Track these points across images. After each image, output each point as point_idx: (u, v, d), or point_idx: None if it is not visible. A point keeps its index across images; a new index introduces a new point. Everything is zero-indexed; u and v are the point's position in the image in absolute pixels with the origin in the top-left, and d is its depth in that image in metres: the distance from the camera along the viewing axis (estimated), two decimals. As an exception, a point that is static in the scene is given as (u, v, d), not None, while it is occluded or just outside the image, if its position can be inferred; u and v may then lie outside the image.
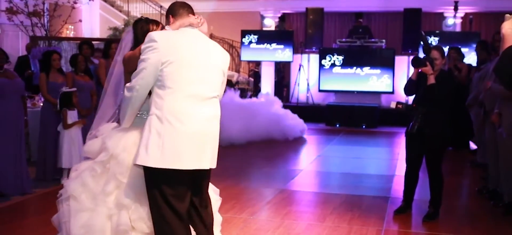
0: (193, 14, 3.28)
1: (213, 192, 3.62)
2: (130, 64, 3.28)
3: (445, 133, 5.34)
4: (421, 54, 5.88)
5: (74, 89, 6.76)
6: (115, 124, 3.39)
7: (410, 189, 5.62)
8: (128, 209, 3.15)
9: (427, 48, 5.28)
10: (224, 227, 4.99)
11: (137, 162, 3.03)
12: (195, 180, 3.19)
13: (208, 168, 3.16)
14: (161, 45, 3.00)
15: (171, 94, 3.01)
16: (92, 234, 3.15)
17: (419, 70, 5.30)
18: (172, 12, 3.27)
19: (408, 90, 5.50)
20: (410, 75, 5.54)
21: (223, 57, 3.30)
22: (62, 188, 3.38)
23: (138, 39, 3.39)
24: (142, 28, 3.46)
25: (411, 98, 5.82)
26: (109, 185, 3.19)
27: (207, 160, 3.13)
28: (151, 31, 3.34)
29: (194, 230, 3.26)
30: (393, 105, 5.37)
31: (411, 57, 5.76)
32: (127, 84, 3.11)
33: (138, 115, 3.24)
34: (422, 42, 5.44)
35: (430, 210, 5.48)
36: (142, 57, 3.03)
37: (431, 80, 5.15)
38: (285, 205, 5.93)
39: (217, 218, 3.66)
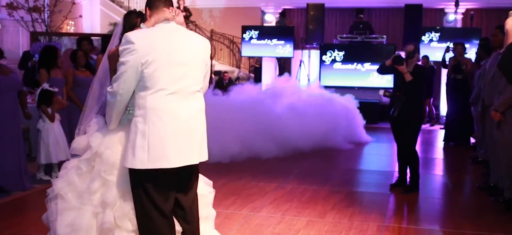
0: (171, 5, 3.20)
1: (206, 184, 3.58)
2: (113, 61, 3.19)
3: (419, 117, 6.34)
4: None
5: (56, 89, 6.73)
6: (103, 120, 3.31)
7: (402, 165, 6.45)
8: (113, 207, 3.12)
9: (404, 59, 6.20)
10: (225, 223, 5.00)
11: (125, 165, 3.02)
12: (181, 177, 3.16)
13: (197, 162, 3.14)
14: (138, 46, 2.93)
15: (153, 94, 2.97)
16: (78, 233, 3.13)
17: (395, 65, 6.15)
18: (149, 5, 3.21)
19: (380, 70, 6.50)
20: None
21: (203, 47, 3.21)
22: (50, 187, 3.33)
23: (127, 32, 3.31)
24: (130, 21, 3.39)
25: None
26: (94, 183, 3.17)
27: (195, 154, 3.11)
28: (138, 24, 3.29)
29: (181, 226, 3.25)
30: (381, 92, 6.55)
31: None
32: (109, 89, 3.04)
33: (127, 112, 3.16)
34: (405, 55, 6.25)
35: (409, 185, 6.35)
36: (121, 59, 2.96)
37: (408, 77, 6.07)
38: (285, 200, 5.93)
39: (211, 212, 3.63)
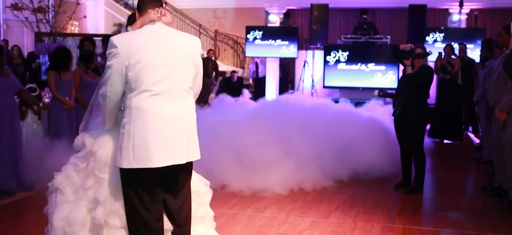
0: (159, 6, 3.20)
1: (203, 184, 3.56)
2: None
3: (421, 118, 6.24)
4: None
5: (36, 92, 6.76)
6: (101, 119, 3.36)
7: (406, 165, 6.45)
8: (104, 204, 3.17)
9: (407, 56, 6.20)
10: (229, 223, 5.01)
11: (116, 165, 3.09)
12: (169, 178, 3.16)
13: (183, 162, 3.12)
14: (121, 49, 2.98)
15: (137, 95, 3.00)
16: (72, 226, 3.19)
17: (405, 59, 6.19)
18: (138, 8, 3.23)
19: (393, 50, 6.75)
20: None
21: (192, 47, 3.21)
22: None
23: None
24: (133, 21, 3.38)
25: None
26: (89, 179, 3.24)
27: (181, 155, 3.10)
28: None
29: (172, 228, 3.26)
30: (376, 92, 6.66)
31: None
32: (100, 92, 3.11)
33: (121, 110, 3.18)
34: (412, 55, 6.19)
35: (413, 185, 6.34)
36: (107, 63, 3.03)
37: (409, 70, 6.16)
38: (289, 201, 5.92)
39: (208, 213, 3.59)
